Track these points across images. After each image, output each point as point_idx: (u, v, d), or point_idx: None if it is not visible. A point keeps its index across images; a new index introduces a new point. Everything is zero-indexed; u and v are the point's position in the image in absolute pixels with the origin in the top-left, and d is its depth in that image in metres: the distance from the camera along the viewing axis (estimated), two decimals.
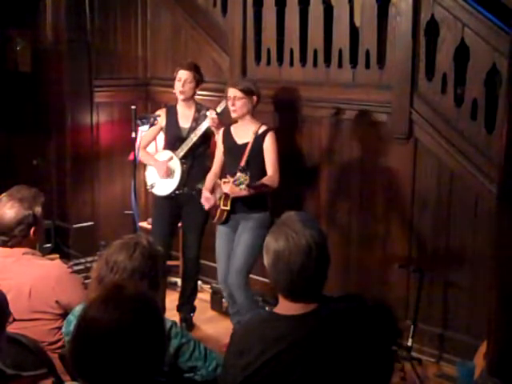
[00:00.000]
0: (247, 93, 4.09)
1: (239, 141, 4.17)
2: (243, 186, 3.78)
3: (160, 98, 5.77)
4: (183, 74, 4.48)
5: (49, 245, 5.59)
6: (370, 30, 4.43)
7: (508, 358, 2.79)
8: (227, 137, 4.24)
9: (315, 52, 4.73)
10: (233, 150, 4.21)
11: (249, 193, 3.90)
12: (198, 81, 4.52)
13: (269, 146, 4.08)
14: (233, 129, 4.23)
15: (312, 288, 2.01)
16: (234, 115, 4.14)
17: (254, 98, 4.12)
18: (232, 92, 4.10)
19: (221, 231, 4.27)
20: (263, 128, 4.12)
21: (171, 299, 4.79)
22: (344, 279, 4.59)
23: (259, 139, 4.08)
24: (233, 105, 4.10)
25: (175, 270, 5.27)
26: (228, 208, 4.12)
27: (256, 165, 4.06)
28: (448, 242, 4.19)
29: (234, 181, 3.85)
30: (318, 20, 4.67)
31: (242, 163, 4.07)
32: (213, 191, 4.21)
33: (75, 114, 5.61)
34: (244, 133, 4.15)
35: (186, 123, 4.56)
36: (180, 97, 4.51)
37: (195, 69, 4.51)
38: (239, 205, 4.11)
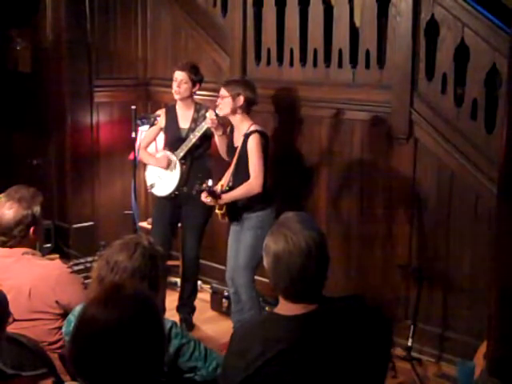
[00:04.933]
0: (231, 92, 4.07)
1: (235, 143, 4.18)
2: (207, 198, 4.02)
3: (160, 98, 5.77)
4: (178, 75, 4.47)
5: (49, 245, 5.59)
6: (369, 30, 4.43)
7: (508, 357, 2.79)
8: (230, 139, 4.25)
9: (315, 52, 4.73)
10: (230, 152, 4.23)
11: (216, 203, 4.04)
12: (195, 81, 4.49)
13: (251, 148, 4.01)
14: (235, 130, 4.24)
15: (312, 289, 2.01)
16: (219, 113, 4.16)
17: (241, 98, 4.07)
18: (221, 90, 4.14)
19: (231, 229, 4.29)
20: (251, 129, 4.07)
21: (171, 299, 4.79)
22: (344, 279, 4.59)
23: (245, 141, 4.06)
24: (218, 103, 4.14)
25: (175, 270, 5.27)
26: (222, 211, 4.14)
27: (243, 168, 4.05)
28: (448, 242, 4.19)
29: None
30: (318, 20, 4.67)
31: (232, 166, 4.11)
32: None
33: (75, 114, 5.61)
34: (238, 135, 4.16)
35: (185, 124, 4.56)
36: (176, 97, 4.51)
37: (191, 69, 4.48)
38: (238, 205, 4.12)
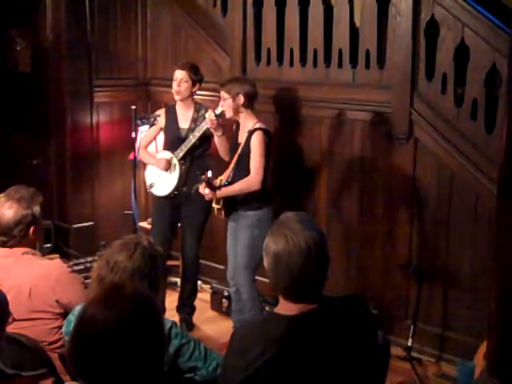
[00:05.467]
0: (230, 93, 4.08)
1: (239, 139, 4.19)
2: (205, 189, 4.03)
3: (160, 98, 5.77)
4: (178, 74, 4.48)
5: (49, 245, 5.59)
6: (369, 30, 4.43)
7: (508, 357, 2.79)
8: (235, 135, 4.25)
9: (315, 52, 4.73)
10: (233, 148, 4.23)
11: (214, 195, 4.05)
12: (195, 81, 4.49)
13: (253, 145, 4.02)
14: (240, 127, 4.24)
15: (312, 288, 2.01)
16: (226, 116, 4.16)
17: (240, 96, 4.07)
18: (220, 92, 4.16)
19: (229, 227, 4.29)
20: (255, 126, 4.08)
21: (171, 299, 4.79)
22: (344, 279, 4.59)
23: (249, 138, 4.07)
24: (221, 105, 4.15)
25: (175, 270, 5.27)
26: (218, 206, 4.14)
27: (244, 164, 4.06)
28: (448, 242, 4.19)
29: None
30: (318, 20, 4.67)
31: (233, 162, 4.12)
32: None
33: (75, 114, 5.61)
34: (243, 131, 4.17)
35: (185, 124, 4.56)
36: (176, 97, 4.51)
37: (191, 68, 4.49)
38: (234, 202, 4.12)
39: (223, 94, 4.12)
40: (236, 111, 4.11)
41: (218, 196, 4.08)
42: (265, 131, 4.07)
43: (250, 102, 4.13)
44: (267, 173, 4.09)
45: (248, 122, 4.13)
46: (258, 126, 4.08)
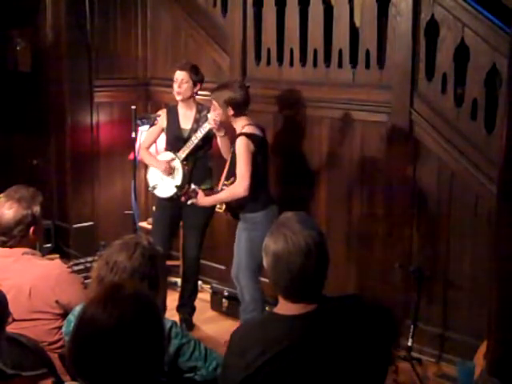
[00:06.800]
0: (220, 103, 4.04)
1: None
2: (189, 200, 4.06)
3: (160, 98, 5.77)
4: (179, 75, 4.47)
5: (49, 245, 5.60)
6: (369, 30, 4.43)
7: (508, 357, 2.79)
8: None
9: (315, 52, 4.73)
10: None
11: (197, 202, 4.06)
12: (196, 81, 4.48)
13: (237, 151, 3.96)
14: None
15: (312, 288, 2.01)
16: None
17: (229, 108, 4.01)
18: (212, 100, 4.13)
19: (238, 227, 4.26)
20: (242, 131, 4.02)
21: (171, 299, 4.79)
22: (344, 279, 4.59)
23: (234, 142, 4.05)
24: (213, 110, 4.12)
25: (175, 270, 5.28)
26: (221, 210, 4.14)
27: (234, 169, 4.03)
28: (448, 242, 4.19)
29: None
30: (318, 20, 4.67)
31: (227, 164, 4.11)
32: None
33: (75, 114, 5.62)
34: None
35: (187, 124, 4.56)
36: (177, 97, 4.50)
37: (191, 69, 4.48)
38: (234, 205, 4.10)
39: (214, 103, 4.08)
40: (228, 120, 4.08)
41: (201, 204, 4.07)
42: (249, 136, 3.98)
43: (240, 110, 4.05)
44: (268, 177, 4.06)
45: (238, 126, 4.07)
46: (244, 130, 4.01)
